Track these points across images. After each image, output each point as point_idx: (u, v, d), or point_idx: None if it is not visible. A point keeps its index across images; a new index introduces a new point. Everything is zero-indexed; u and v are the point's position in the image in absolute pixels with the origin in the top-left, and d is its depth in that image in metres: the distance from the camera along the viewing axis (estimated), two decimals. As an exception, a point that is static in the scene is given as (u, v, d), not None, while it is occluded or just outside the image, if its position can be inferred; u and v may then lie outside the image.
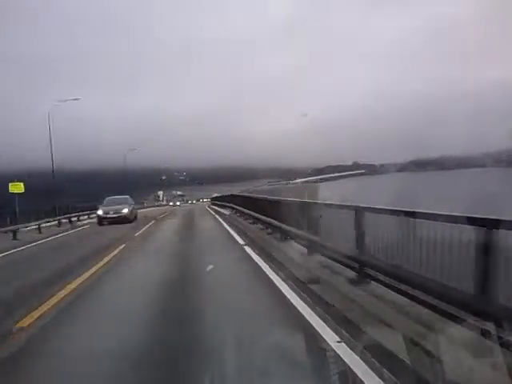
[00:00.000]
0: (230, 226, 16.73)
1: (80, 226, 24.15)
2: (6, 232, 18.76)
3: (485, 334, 3.26)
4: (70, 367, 3.83)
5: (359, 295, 5.12)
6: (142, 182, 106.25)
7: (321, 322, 4.46)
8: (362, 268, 5.61)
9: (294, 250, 8.79)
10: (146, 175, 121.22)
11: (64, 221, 25.65)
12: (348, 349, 3.65)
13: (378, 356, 3.35)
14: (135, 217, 24.59)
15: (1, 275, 9.43)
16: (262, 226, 13.56)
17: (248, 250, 10.11)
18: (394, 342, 3.47)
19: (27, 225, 21.54)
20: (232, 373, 3.08)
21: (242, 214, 18.83)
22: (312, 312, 4.83)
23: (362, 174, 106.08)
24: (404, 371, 3.10)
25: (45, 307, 5.84)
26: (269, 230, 12.22)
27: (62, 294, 6.62)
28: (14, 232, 18.70)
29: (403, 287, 4.62)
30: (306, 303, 5.19)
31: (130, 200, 25.50)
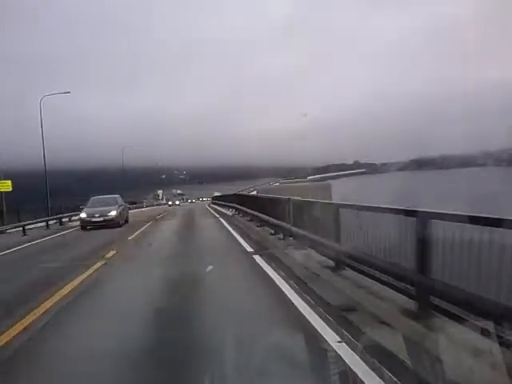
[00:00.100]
0: (238, 232, 13.86)
1: (71, 228, 21.78)
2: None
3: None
4: None
5: (430, 338, 3.61)
6: (141, 181, 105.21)
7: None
8: (426, 296, 4.10)
9: (316, 261, 7.28)
10: (146, 174, 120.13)
11: (53, 221, 23.96)
12: None
13: None
14: (126, 220, 21.27)
15: None
16: (271, 230, 11.82)
17: (259, 260, 8.48)
18: None
19: (6, 227, 19.96)
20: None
21: (246, 214, 17.52)
22: (364, 364, 3.27)
23: (363, 173, 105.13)
24: None
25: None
26: (281, 236, 10.61)
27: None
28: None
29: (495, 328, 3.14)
30: (349, 346, 3.67)
31: (120, 200, 21.62)
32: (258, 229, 13.43)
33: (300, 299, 5.35)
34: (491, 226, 3.36)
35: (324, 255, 7.21)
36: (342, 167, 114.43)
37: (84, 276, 7.88)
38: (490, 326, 3.16)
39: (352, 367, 3.23)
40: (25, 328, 4.88)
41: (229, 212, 23.96)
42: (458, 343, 3.37)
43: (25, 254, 12.80)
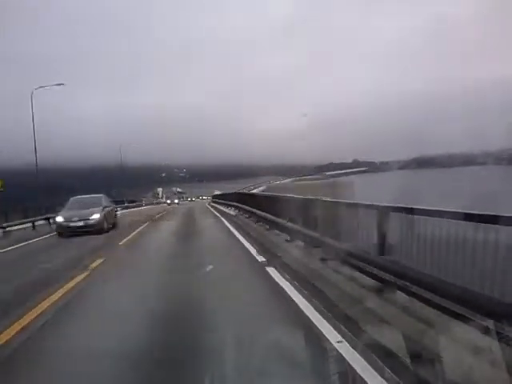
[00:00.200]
0: (246, 238, 11.64)
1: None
2: None
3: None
4: None
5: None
6: (142, 180, 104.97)
7: None
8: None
9: (345, 277, 6.02)
10: (146, 172, 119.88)
11: (41, 222, 21.48)
12: None
13: None
14: (113, 224, 17.98)
15: None
16: (288, 237, 9.82)
17: (274, 273, 6.91)
18: None
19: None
20: None
21: (250, 214, 16.83)
22: None
23: (364, 172, 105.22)
24: None
25: None
26: (300, 243, 8.79)
27: None
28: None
29: None
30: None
31: (106, 200, 18.06)
32: (266, 232, 12.23)
33: (332, 329, 4.29)
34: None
35: (363, 274, 5.63)
36: (342, 166, 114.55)
37: (55, 296, 6.20)
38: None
39: None
40: None
41: (231, 212, 23.66)
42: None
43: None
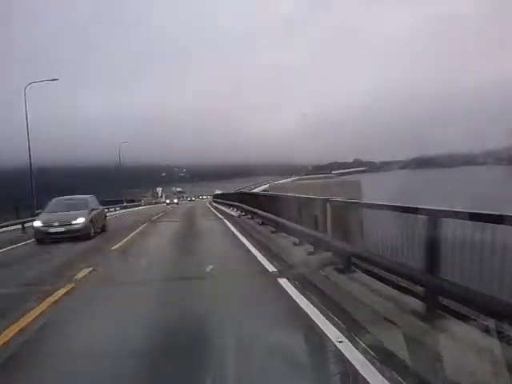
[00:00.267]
0: (256, 245, 10.33)
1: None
2: None
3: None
4: None
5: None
6: (142, 179, 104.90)
7: None
8: None
9: (367, 289, 5.33)
10: (147, 172, 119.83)
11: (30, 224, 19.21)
12: None
13: None
14: (103, 228, 16.17)
15: None
16: (296, 240, 9.28)
17: (288, 286, 6.01)
18: None
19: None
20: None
21: (253, 214, 16.52)
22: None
23: (364, 171, 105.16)
24: None
25: None
26: (309, 247, 8.28)
27: None
28: None
29: None
30: None
31: (93, 202, 16.04)
32: (272, 235, 11.63)
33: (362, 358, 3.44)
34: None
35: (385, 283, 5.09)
36: (343, 166, 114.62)
37: (30, 317, 5.12)
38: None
39: None
40: None
41: (233, 212, 23.39)
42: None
43: None
